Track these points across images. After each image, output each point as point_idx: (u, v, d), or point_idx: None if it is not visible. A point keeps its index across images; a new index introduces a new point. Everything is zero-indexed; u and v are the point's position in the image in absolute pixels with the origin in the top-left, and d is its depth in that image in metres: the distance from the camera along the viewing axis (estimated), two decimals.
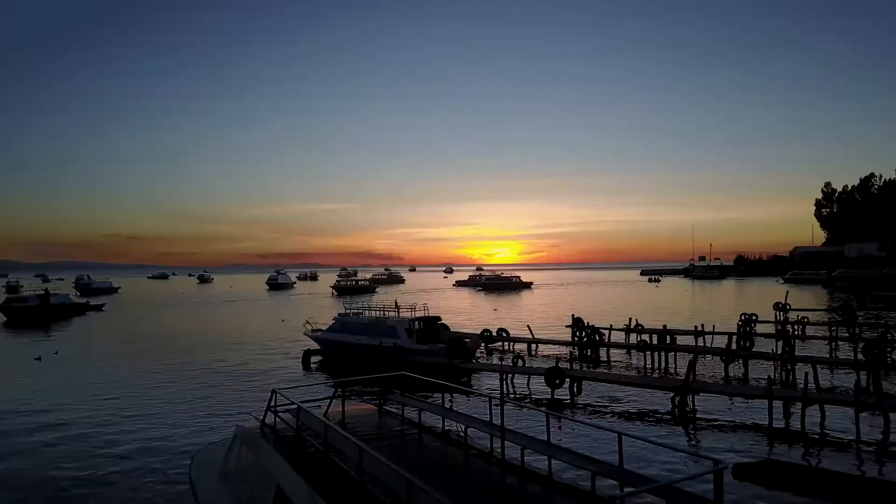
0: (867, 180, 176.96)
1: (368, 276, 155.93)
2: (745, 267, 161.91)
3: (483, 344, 31.87)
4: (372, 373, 12.58)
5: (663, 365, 26.95)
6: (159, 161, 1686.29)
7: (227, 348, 34.54)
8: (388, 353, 25.90)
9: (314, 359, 29.33)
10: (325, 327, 31.47)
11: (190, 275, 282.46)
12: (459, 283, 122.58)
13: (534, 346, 31.48)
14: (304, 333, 32.09)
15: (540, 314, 54.57)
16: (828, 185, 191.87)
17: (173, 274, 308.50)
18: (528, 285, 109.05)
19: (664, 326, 30.83)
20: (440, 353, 25.67)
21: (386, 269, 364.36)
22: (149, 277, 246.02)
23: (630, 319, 34.13)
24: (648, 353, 27.54)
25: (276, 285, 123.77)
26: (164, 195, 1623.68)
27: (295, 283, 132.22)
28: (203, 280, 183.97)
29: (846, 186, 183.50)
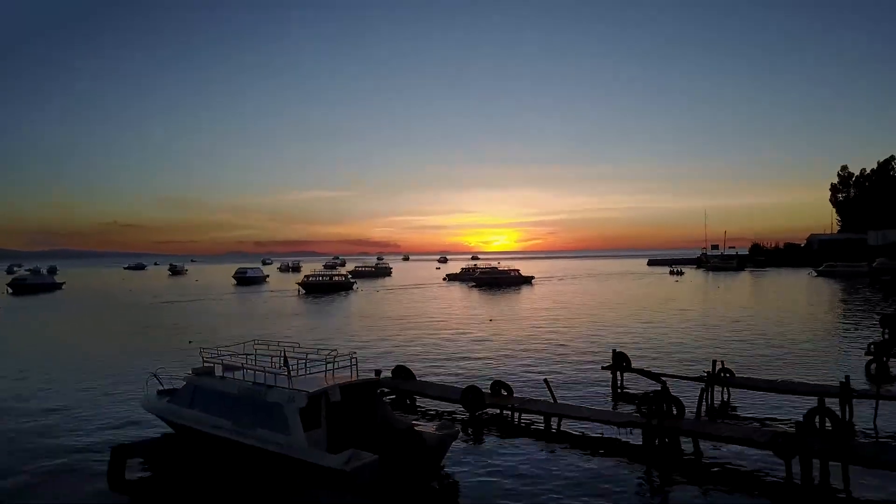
0: (887, 163, 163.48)
1: (351, 267, 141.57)
2: (764, 257, 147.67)
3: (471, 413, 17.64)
4: None
5: None
6: (156, 149, 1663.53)
7: None
8: (267, 466, 12.30)
9: (134, 472, 13.93)
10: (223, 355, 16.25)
11: (172, 265, 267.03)
12: (451, 277, 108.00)
13: (557, 419, 16.93)
14: (143, 404, 17.27)
15: (550, 328, 40.03)
16: (844, 168, 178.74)
17: (155, 264, 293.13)
18: (528, 280, 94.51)
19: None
20: (366, 471, 11.52)
21: (379, 258, 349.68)
22: (124, 268, 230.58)
23: (714, 365, 19.74)
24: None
25: (244, 280, 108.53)
26: (160, 184, 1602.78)
27: (268, 276, 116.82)
28: (175, 272, 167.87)
29: (864, 170, 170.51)
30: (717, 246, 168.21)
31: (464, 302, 65.02)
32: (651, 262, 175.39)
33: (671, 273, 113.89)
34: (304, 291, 79.82)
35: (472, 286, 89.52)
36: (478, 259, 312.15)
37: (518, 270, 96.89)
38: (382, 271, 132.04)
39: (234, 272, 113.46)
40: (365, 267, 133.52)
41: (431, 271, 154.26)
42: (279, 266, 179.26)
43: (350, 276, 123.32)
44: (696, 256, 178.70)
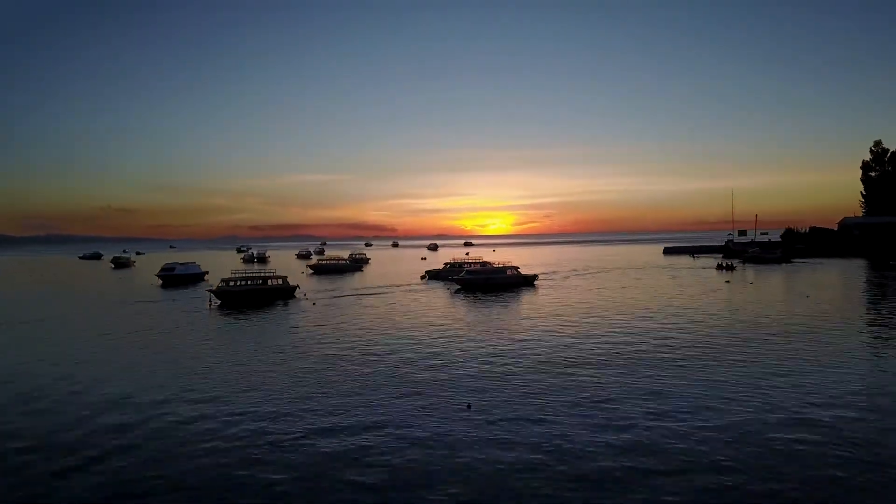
0: None
1: (317, 260, 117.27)
2: (803, 244, 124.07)
3: None
4: None
5: None
6: (150, 133, 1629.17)
7: None
8: None
9: None
10: None
11: (116, 257, 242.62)
12: (431, 276, 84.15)
13: None
14: None
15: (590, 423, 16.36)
16: (878, 143, 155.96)
17: (124, 251, 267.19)
18: (530, 281, 70.90)
19: None
20: None
21: (367, 244, 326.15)
22: (80, 258, 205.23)
23: None
24: None
25: (171, 279, 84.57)
26: (155, 167, 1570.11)
27: (207, 273, 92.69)
28: (119, 264, 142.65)
29: None
30: (745, 231, 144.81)
31: (432, 328, 41.15)
32: (668, 251, 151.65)
33: (719, 269, 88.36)
34: (215, 304, 55.85)
35: (457, 290, 65.92)
36: (471, 245, 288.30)
37: (517, 268, 72.92)
38: (353, 266, 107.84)
39: (159, 269, 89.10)
40: (331, 260, 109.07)
41: (415, 263, 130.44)
42: (243, 256, 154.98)
43: (309, 270, 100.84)
44: (719, 243, 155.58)
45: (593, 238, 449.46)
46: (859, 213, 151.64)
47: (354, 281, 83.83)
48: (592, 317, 43.66)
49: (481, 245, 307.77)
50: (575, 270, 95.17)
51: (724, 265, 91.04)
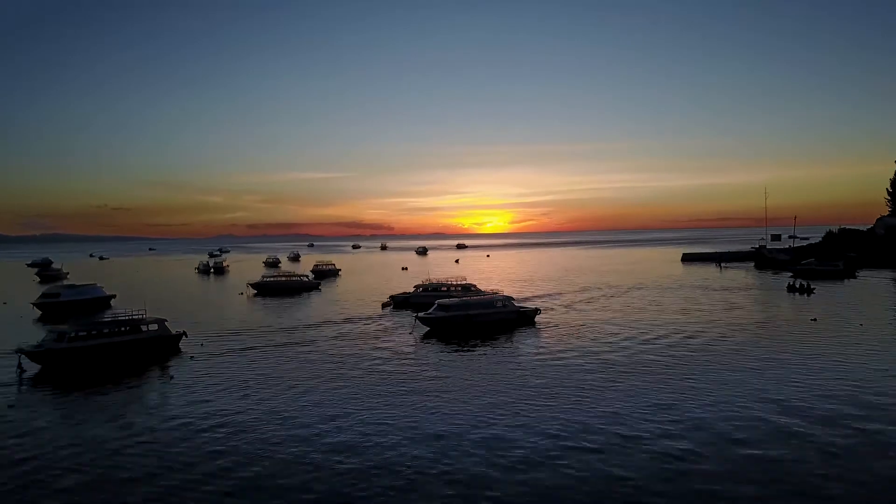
0: None
1: (278, 269, 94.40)
2: (855, 252, 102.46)
3: None
4: None
5: None
6: (147, 131, 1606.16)
7: None
8: None
9: None
10: None
11: (102, 258, 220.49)
12: (398, 303, 62.16)
13: None
14: None
15: None
16: None
17: (92, 256, 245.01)
18: (529, 316, 49.62)
19: None
20: None
21: (355, 246, 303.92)
22: (27, 265, 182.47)
23: None
24: None
25: (55, 309, 63.09)
26: (152, 166, 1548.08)
27: (113, 297, 71.08)
28: (45, 276, 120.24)
29: None
30: (779, 235, 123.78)
31: (348, 433, 19.70)
32: (688, 258, 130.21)
33: (791, 290, 65.59)
34: (38, 367, 34.34)
35: (426, 332, 44.74)
36: (464, 248, 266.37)
37: (511, 298, 51.33)
38: (309, 284, 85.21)
39: (39, 295, 67.20)
40: (282, 277, 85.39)
41: (392, 275, 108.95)
42: (199, 266, 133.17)
43: (251, 290, 78.32)
44: (748, 249, 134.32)
45: (594, 238, 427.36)
46: (885, 210, 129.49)
47: (300, 308, 62.42)
48: (640, 403, 22.67)
49: (476, 247, 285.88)
50: (584, 290, 73.71)
51: (798, 286, 65.78)
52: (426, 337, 43.68)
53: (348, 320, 52.78)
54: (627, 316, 51.19)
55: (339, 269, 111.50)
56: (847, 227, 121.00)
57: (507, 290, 69.81)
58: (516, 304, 50.59)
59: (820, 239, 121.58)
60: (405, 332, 45.26)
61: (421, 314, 46.79)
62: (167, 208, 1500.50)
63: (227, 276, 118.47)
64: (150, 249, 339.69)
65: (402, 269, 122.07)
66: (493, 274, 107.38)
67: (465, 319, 45.88)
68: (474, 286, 62.38)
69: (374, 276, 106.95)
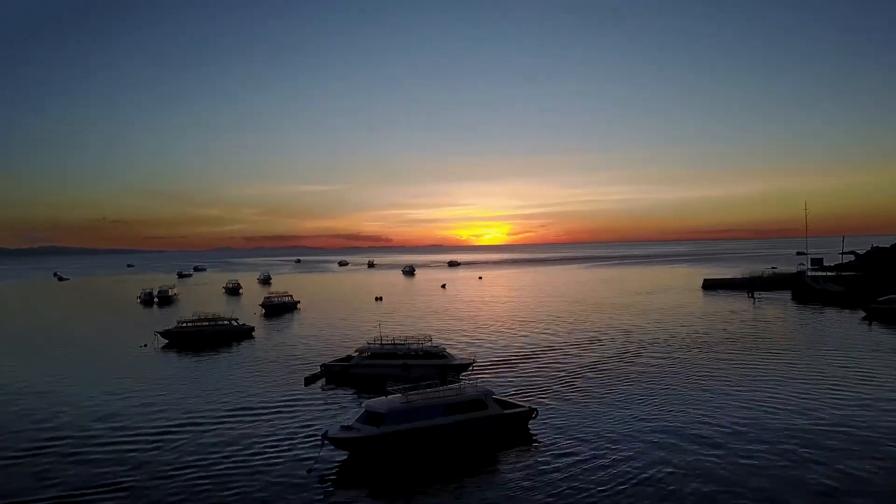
0: None
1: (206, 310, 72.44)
2: None
3: None
4: None
5: None
6: (145, 144, 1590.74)
7: None
8: None
9: None
10: None
11: (60, 278, 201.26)
12: (331, 376, 42.88)
13: None
14: None
15: None
16: None
17: (55, 275, 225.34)
18: (521, 423, 30.12)
19: None
20: None
21: (342, 263, 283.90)
22: None
23: None
24: None
25: None
26: (150, 178, 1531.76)
27: None
28: None
29: None
30: (821, 259, 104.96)
31: None
32: (710, 285, 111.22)
33: None
34: None
35: (344, 459, 25.61)
36: (456, 265, 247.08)
37: (491, 394, 31.72)
38: (238, 330, 64.47)
39: None
40: (203, 322, 63.16)
41: (363, 309, 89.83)
42: (140, 295, 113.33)
43: (160, 340, 59.67)
44: (771, 268, 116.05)
45: (594, 252, 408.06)
46: None
47: (186, 380, 42.95)
48: None
49: (470, 264, 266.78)
50: (591, 346, 54.49)
51: None
52: (344, 469, 24.83)
53: (238, 413, 33.66)
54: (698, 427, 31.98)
55: (298, 302, 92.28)
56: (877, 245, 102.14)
57: (497, 342, 50.50)
58: (499, 401, 31.32)
59: (853, 257, 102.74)
60: (313, 454, 26.04)
61: (332, 431, 27.43)
62: (165, 220, 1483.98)
63: (171, 308, 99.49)
64: (128, 266, 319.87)
65: (377, 298, 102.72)
66: (483, 307, 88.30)
67: (409, 440, 26.81)
68: (443, 351, 43.28)
69: (340, 311, 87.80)
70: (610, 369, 43.33)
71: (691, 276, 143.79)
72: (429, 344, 43.58)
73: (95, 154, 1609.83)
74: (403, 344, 43.58)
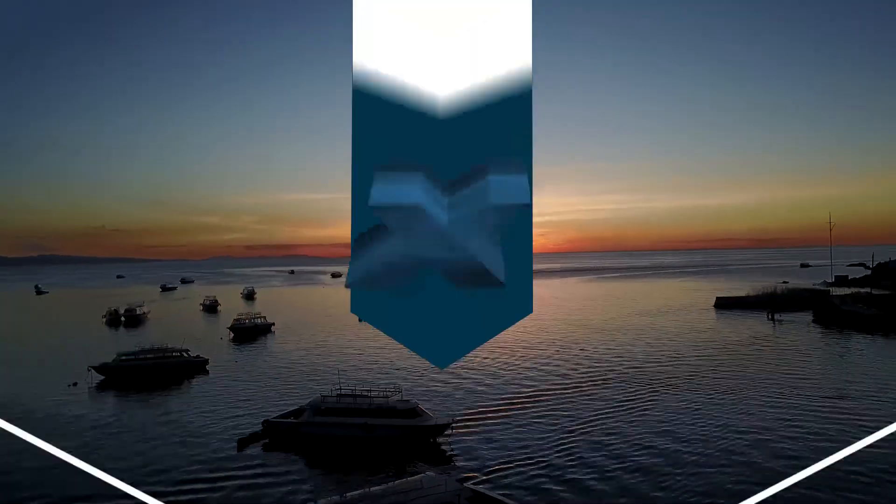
0: None
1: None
2: None
3: None
4: None
5: None
6: (145, 151, 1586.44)
7: None
8: None
9: None
10: None
11: (39, 292, 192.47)
12: (272, 433, 34.21)
13: None
14: None
15: None
16: None
17: (37, 287, 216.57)
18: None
19: None
20: None
21: (334, 276, 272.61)
22: None
23: None
24: None
25: None
26: (149, 186, 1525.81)
27: None
28: None
29: None
30: (866, 264, 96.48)
31: None
32: (722, 304, 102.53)
33: None
34: None
35: None
36: None
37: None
38: (190, 364, 54.90)
39: None
40: (148, 355, 53.47)
41: (339, 332, 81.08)
42: (105, 314, 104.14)
43: (94, 377, 49.36)
44: (783, 282, 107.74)
45: (595, 262, 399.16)
46: None
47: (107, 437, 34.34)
48: None
49: None
50: (600, 388, 45.81)
51: None
52: None
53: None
54: None
55: (272, 324, 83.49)
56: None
57: (490, 385, 41.36)
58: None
59: (870, 270, 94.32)
60: None
61: None
62: (165, 229, 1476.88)
63: (137, 330, 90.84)
64: (117, 277, 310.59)
65: (360, 319, 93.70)
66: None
67: None
68: (415, 407, 34.53)
69: (318, 335, 79.08)
70: (622, 429, 34.53)
71: (699, 292, 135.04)
72: (398, 398, 34.87)
73: (95, 162, 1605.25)
74: (367, 396, 34.92)
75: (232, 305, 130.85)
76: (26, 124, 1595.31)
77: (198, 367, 55.22)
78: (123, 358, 53.15)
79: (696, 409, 37.95)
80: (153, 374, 52.07)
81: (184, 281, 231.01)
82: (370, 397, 34.64)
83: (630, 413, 37.62)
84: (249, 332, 78.39)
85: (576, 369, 52.06)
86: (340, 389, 35.90)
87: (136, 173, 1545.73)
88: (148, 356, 53.86)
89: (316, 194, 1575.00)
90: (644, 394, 42.40)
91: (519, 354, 59.74)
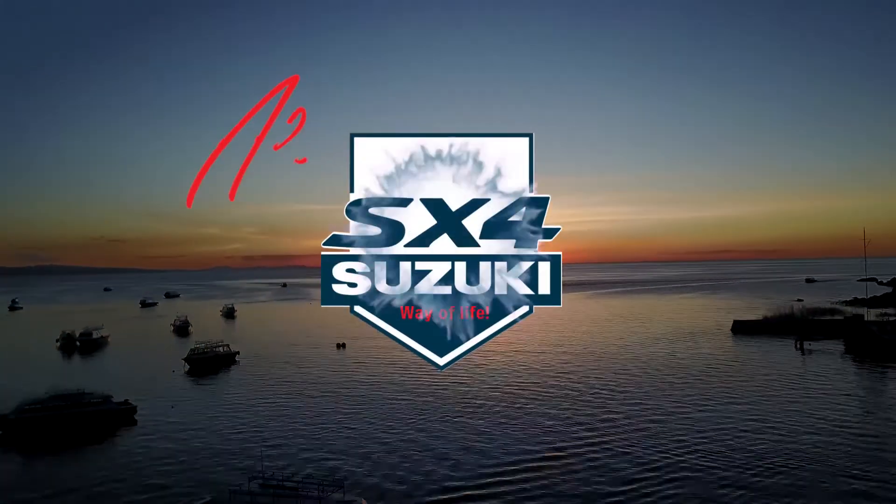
0: None
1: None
2: None
3: None
4: None
5: None
6: (143, 161, 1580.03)
7: None
8: None
9: None
10: None
11: (13, 307, 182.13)
12: None
13: None
14: None
15: None
16: None
17: (14, 302, 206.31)
18: None
19: None
20: None
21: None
22: None
23: None
24: None
25: None
26: (149, 196, 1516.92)
27: None
28: None
29: None
30: (878, 279, 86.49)
31: None
32: (740, 328, 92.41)
33: None
34: None
35: None
36: None
37: None
38: (106, 414, 43.60)
39: None
40: (49, 405, 41.71)
41: (313, 362, 70.91)
42: (59, 338, 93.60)
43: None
44: (795, 303, 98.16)
45: (596, 274, 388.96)
46: None
47: None
48: None
49: None
50: (616, 457, 35.73)
51: None
52: None
53: None
54: None
55: (236, 353, 73.40)
56: None
57: (484, 451, 30.83)
58: None
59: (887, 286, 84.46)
60: None
61: None
62: (164, 239, 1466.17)
63: (90, 359, 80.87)
64: (104, 290, 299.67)
65: (339, 346, 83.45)
66: (469, 370, 69.38)
67: None
68: None
69: (287, 368, 68.96)
70: None
71: (711, 312, 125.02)
72: (339, 496, 24.77)
73: (95, 172, 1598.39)
74: (295, 490, 24.86)
75: (210, 324, 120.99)
76: (23, 133, 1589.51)
77: (123, 416, 45.10)
78: (27, 408, 42.99)
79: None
80: (64, 427, 42.02)
81: (168, 295, 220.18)
82: (298, 491, 24.59)
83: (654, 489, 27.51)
84: (208, 364, 68.29)
85: (587, 422, 41.89)
86: (262, 476, 25.87)
87: (134, 183, 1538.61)
88: (59, 404, 43.72)
89: (313, 205, 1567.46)
90: (665, 460, 32.23)
91: (515, 416, 49.56)
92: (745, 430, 39.20)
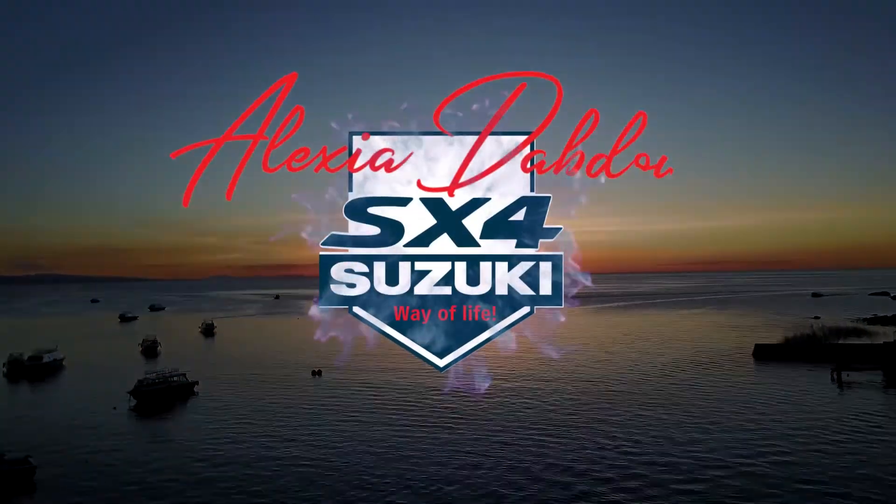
0: None
1: None
2: None
3: None
4: None
5: None
6: (143, 169, 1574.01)
7: None
8: None
9: None
10: None
11: None
12: None
13: None
14: None
15: None
16: None
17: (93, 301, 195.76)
18: None
19: None
20: None
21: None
22: None
23: None
24: None
25: None
26: (148, 205, 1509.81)
27: None
28: None
29: None
30: (890, 293, 77.44)
31: None
32: (762, 353, 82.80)
33: None
34: None
35: None
36: None
37: None
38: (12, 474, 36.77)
39: None
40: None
41: (284, 393, 61.47)
42: (5, 362, 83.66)
43: None
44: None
45: (597, 286, 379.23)
46: None
47: None
48: None
49: None
50: None
51: None
52: None
53: None
54: None
55: (195, 384, 63.86)
56: None
57: None
58: None
59: None
60: None
61: None
62: (165, 249, 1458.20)
63: (38, 388, 71.41)
64: (92, 301, 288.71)
65: (314, 373, 73.58)
66: (458, 405, 59.79)
67: None
68: None
69: (253, 402, 59.47)
70: None
71: (723, 330, 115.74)
72: None
73: (97, 182, 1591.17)
74: None
75: (184, 343, 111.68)
76: (23, 142, 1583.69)
77: (16, 478, 35.51)
78: None
79: None
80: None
81: (153, 308, 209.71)
82: None
83: None
84: (159, 397, 58.69)
85: (597, 482, 32.44)
86: None
87: (133, 192, 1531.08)
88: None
89: (313, 214, 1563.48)
90: None
91: (510, 445, 40.07)
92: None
